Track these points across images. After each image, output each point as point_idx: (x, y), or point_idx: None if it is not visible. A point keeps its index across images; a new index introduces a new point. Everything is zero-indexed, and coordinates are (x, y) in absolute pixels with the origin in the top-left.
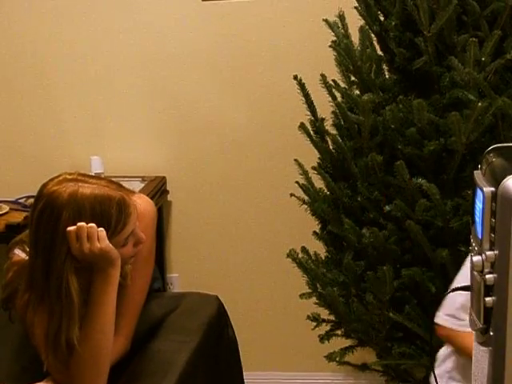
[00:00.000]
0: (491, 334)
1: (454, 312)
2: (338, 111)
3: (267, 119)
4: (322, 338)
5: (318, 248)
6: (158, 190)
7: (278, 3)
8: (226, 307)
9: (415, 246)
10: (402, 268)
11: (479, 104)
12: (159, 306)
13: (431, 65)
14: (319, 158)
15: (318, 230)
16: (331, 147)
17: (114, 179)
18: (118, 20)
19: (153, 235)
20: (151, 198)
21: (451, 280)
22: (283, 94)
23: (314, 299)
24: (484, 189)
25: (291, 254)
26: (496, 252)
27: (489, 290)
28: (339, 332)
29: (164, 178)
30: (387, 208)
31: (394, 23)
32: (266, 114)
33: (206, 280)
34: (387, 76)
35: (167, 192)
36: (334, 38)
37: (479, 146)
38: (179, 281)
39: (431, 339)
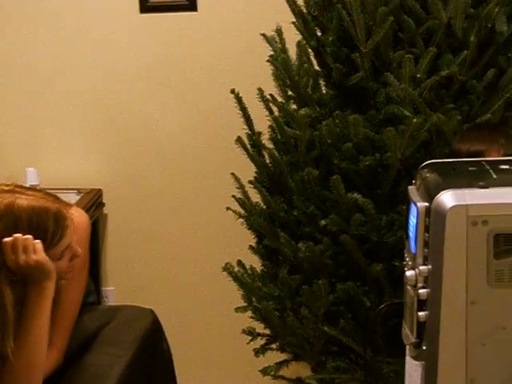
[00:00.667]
0: (424, 348)
1: None
2: (274, 125)
3: (204, 133)
4: (257, 352)
5: (254, 262)
6: (93, 202)
7: (215, 17)
8: (161, 321)
9: (350, 260)
10: (337, 282)
11: (414, 120)
12: (93, 319)
13: (367, 80)
14: (256, 171)
15: (253, 244)
16: (268, 161)
17: (49, 191)
18: (55, 31)
19: (86, 248)
20: (87, 211)
21: (385, 294)
22: (220, 107)
23: (249, 313)
24: (418, 204)
25: (227, 268)
26: (429, 267)
27: (422, 304)
28: (274, 346)
29: (100, 190)
30: (323, 222)
31: (330, 39)
32: (203, 128)
33: (142, 293)
34: (324, 91)
35: (103, 204)
36: (272, 53)
37: (414, 161)
38: (115, 294)
39: (365, 353)
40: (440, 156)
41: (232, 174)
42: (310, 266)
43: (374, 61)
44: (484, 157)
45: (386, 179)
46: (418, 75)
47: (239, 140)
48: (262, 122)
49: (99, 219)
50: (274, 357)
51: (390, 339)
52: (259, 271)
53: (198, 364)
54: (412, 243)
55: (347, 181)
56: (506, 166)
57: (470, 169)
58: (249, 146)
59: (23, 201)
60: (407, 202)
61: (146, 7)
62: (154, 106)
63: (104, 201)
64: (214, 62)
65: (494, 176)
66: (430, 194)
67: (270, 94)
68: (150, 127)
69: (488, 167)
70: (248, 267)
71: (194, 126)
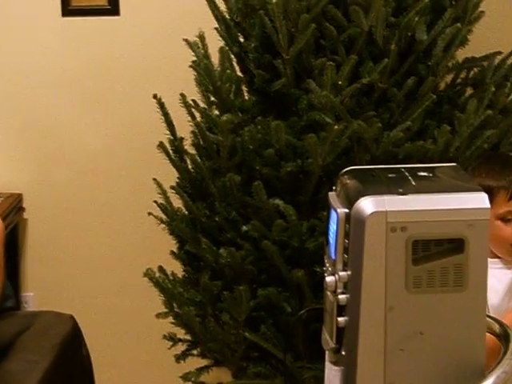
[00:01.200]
0: (343, 353)
1: None
2: (197, 131)
3: (126, 138)
4: (178, 358)
5: (176, 267)
6: (13, 207)
7: (138, 22)
8: (81, 327)
9: (271, 266)
10: (259, 288)
11: (335, 127)
12: (11, 324)
13: (289, 87)
14: (178, 177)
15: (175, 250)
16: (190, 167)
17: None
18: None
19: (1, 252)
20: (6, 215)
21: (306, 300)
22: (143, 112)
23: (170, 319)
24: (338, 210)
25: (148, 274)
26: (349, 272)
27: (341, 309)
28: (195, 352)
29: (20, 195)
30: (244, 228)
31: (253, 45)
32: (125, 133)
33: (62, 299)
34: (246, 97)
35: (23, 209)
36: (194, 58)
37: (335, 168)
38: (34, 300)
39: (285, 359)
40: (361, 163)
41: (154, 179)
42: (232, 271)
43: (296, 67)
44: (494, 194)
45: (307, 185)
46: (340, 82)
47: (161, 145)
48: (185, 128)
49: (19, 224)
50: (195, 362)
51: (311, 345)
52: (180, 277)
53: (119, 370)
54: (332, 249)
55: (269, 187)
56: (425, 173)
57: (390, 175)
58: (171, 152)
59: None
60: (327, 208)
61: (67, 11)
62: (75, 111)
63: (24, 205)
64: (136, 67)
65: (413, 183)
66: (349, 201)
67: (193, 100)
68: (71, 132)
69: (407, 174)
70: (169, 273)
71: (115, 130)
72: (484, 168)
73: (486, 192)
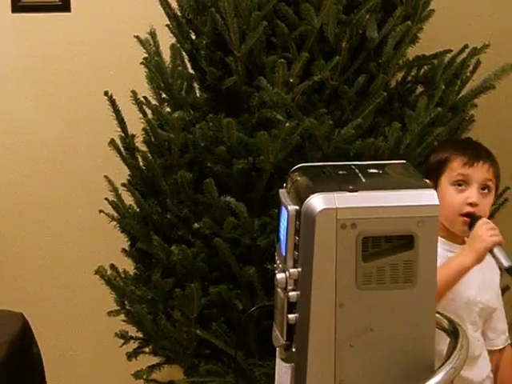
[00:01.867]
0: (293, 350)
1: None
2: (148, 128)
3: (77, 135)
4: (129, 356)
5: (127, 265)
6: None
7: (89, 18)
8: (31, 325)
9: (223, 263)
10: (210, 285)
11: (287, 124)
12: None
13: (241, 84)
14: (129, 174)
15: (127, 247)
16: (141, 164)
17: None
18: None
19: None
20: None
21: (258, 297)
22: (94, 109)
23: (122, 316)
24: (288, 207)
25: (99, 271)
26: (299, 269)
27: (292, 306)
28: (147, 349)
29: None
30: (196, 225)
31: (204, 42)
32: (76, 130)
33: (12, 297)
34: (198, 94)
35: None
36: (146, 55)
37: (287, 165)
38: None
39: (235, 356)
40: (312, 160)
41: (105, 176)
42: (183, 269)
43: (248, 65)
44: (449, 161)
45: (258, 183)
46: (291, 80)
47: (112, 142)
48: (136, 125)
49: None
50: (147, 360)
51: (262, 342)
52: (132, 274)
53: (70, 368)
54: (283, 246)
55: (220, 184)
56: (375, 170)
57: (340, 173)
58: (122, 149)
59: None
60: (278, 205)
61: (17, 7)
62: (25, 108)
63: None
64: (87, 64)
65: (363, 180)
66: (300, 198)
67: (144, 97)
68: (21, 128)
69: (357, 171)
70: (121, 270)
71: (66, 128)
72: (443, 144)
73: (442, 162)
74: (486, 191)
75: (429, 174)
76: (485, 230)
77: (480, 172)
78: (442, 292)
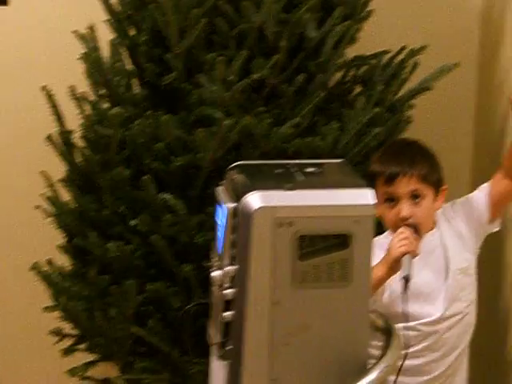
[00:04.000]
0: (229, 348)
1: None
2: (86, 124)
3: (14, 130)
4: (64, 353)
5: (64, 261)
6: None
7: (27, 12)
8: None
9: (160, 260)
10: (147, 282)
11: (225, 122)
12: None
13: (180, 81)
14: (67, 170)
15: (63, 243)
16: (79, 160)
17: None
18: None
19: None
20: None
21: (194, 295)
22: (32, 104)
23: (57, 313)
24: (226, 205)
25: (35, 267)
26: (236, 267)
27: (228, 304)
28: (82, 346)
29: None
30: (133, 222)
31: (144, 38)
32: (13, 125)
33: None
34: (137, 90)
35: None
36: (85, 51)
37: (225, 163)
38: None
39: (171, 353)
40: (250, 158)
41: (42, 172)
42: (120, 265)
43: (187, 62)
44: (375, 178)
45: (197, 180)
46: (230, 77)
47: (50, 138)
48: (74, 121)
49: None
50: (82, 357)
51: (198, 339)
52: (68, 271)
53: (4, 365)
54: (219, 244)
55: (158, 181)
56: (312, 169)
57: (277, 171)
58: (60, 145)
59: None
60: (216, 202)
61: None
62: None
63: None
64: (25, 58)
65: (301, 178)
66: (237, 195)
67: (83, 92)
68: None
69: (295, 170)
70: (57, 267)
71: (3, 123)
72: (379, 154)
73: (372, 178)
74: (417, 199)
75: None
76: (396, 241)
77: (402, 186)
78: None
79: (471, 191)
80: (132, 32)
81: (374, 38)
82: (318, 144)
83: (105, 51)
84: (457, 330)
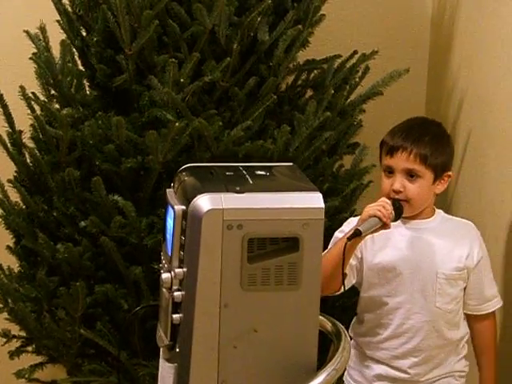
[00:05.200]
0: (177, 350)
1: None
2: (36, 124)
3: None
4: (11, 355)
5: (12, 262)
6: None
7: None
8: None
9: (109, 262)
10: (96, 284)
11: (176, 124)
12: None
13: (131, 83)
14: (16, 170)
15: (11, 245)
16: (28, 160)
17: None
18: None
19: None
20: None
21: (144, 297)
22: None
23: (4, 314)
24: (175, 207)
25: None
26: (185, 269)
27: (176, 306)
28: (30, 348)
29: None
30: (83, 224)
31: (95, 39)
32: None
33: None
34: (88, 91)
35: None
36: (35, 51)
37: (176, 165)
38: None
39: (119, 355)
40: (201, 160)
41: None
42: (69, 267)
43: (139, 63)
44: (381, 147)
45: (147, 182)
46: (182, 80)
47: None
48: (24, 121)
49: None
50: (30, 359)
51: (147, 342)
52: (16, 272)
53: None
54: (169, 246)
55: (108, 182)
56: (263, 172)
57: (228, 173)
58: (9, 145)
59: None
60: (165, 204)
61: None
62: None
63: None
64: None
65: (251, 181)
66: (187, 198)
67: (33, 93)
68: None
69: (245, 172)
70: (5, 268)
71: None
72: (396, 125)
73: (381, 144)
74: (413, 177)
75: None
76: (372, 205)
77: (399, 162)
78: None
79: None
80: (83, 32)
81: (325, 42)
82: (268, 147)
83: (56, 51)
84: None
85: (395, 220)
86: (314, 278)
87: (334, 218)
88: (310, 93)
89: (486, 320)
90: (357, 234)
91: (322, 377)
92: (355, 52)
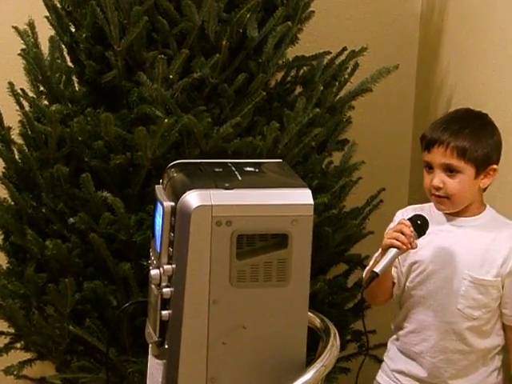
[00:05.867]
0: (166, 347)
1: None
2: (25, 121)
3: None
4: (0, 351)
5: (0, 259)
6: None
7: None
8: None
9: (98, 259)
10: (85, 281)
11: (166, 120)
12: None
13: (120, 79)
14: (4, 167)
15: (0, 241)
16: (17, 157)
17: None
18: None
19: None
20: None
21: (133, 294)
22: None
23: None
24: (164, 203)
25: None
26: (173, 266)
27: (165, 303)
28: (19, 345)
29: None
30: (71, 220)
31: (84, 35)
32: None
33: None
34: (77, 88)
35: None
36: (24, 47)
37: (165, 161)
38: None
39: (108, 352)
40: (190, 157)
41: None
42: (58, 264)
43: (128, 60)
44: (421, 143)
45: (136, 178)
46: (171, 76)
47: None
48: (13, 117)
49: None
50: (18, 356)
51: (136, 338)
52: (5, 269)
53: None
54: (157, 242)
55: (97, 179)
56: (252, 169)
57: (217, 170)
58: None
59: None
60: (154, 201)
61: None
62: None
63: None
64: None
65: (240, 178)
66: (176, 194)
67: (21, 89)
68: None
69: (234, 169)
70: None
71: None
72: (438, 119)
73: (421, 139)
74: (453, 173)
75: None
76: (391, 232)
77: (436, 157)
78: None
79: (410, 190)
80: (72, 29)
81: (314, 39)
82: (258, 144)
83: (44, 48)
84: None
85: (419, 237)
86: (303, 274)
87: (323, 214)
88: (299, 89)
89: None
90: (374, 278)
91: (310, 373)
92: (344, 49)
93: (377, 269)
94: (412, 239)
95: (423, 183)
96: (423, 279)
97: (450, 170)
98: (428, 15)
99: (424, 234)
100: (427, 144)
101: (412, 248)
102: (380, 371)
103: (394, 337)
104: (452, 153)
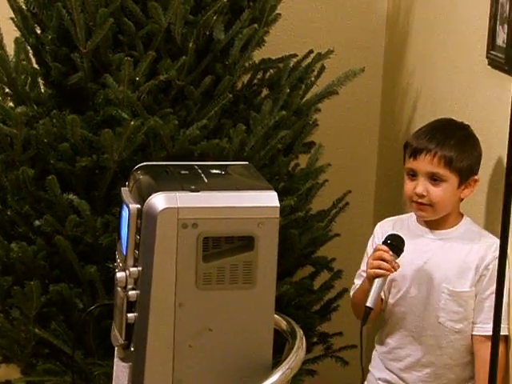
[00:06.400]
0: (132, 349)
1: None
2: None
3: None
4: None
5: None
6: None
7: None
8: None
9: (64, 261)
10: (50, 284)
11: (132, 123)
12: None
13: (86, 81)
14: None
15: None
16: None
17: None
18: None
19: None
20: None
21: (99, 296)
22: None
23: None
24: (130, 205)
25: None
26: (139, 268)
27: (131, 305)
28: None
29: None
30: (37, 223)
31: (50, 37)
32: None
33: None
34: (42, 90)
35: None
36: None
37: (131, 163)
38: None
39: (73, 355)
40: (157, 159)
41: None
42: (23, 266)
43: (94, 62)
44: (405, 150)
45: (102, 181)
46: (137, 78)
47: None
48: None
49: None
50: None
51: (102, 341)
52: None
53: None
54: (123, 245)
55: (63, 181)
56: (218, 171)
57: (183, 172)
58: None
59: None
60: (120, 203)
61: None
62: None
63: None
64: None
65: (206, 180)
66: (142, 196)
67: None
68: None
69: (200, 171)
70: None
71: None
72: (421, 127)
73: (405, 146)
74: (437, 181)
75: None
76: (371, 260)
77: (422, 165)
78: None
79: (376, 190)
80: (38, 30)
81: (281, 41)
82: (224, 146)
83: (10, 49)
84: None
85: (399, 257)
86: (269, 276)
87: (289, 217)
88: (265, 92)
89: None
90: (369, 313)
91: (277, 375)
92: (311, 51)
93: (369, 303)
94: (394, 262)
95: (405, 189)
96: (403, 295)
97: (434, 179)
98: (394, 18)
99: (402, 251)
100: (413, 152)
101: (395, 270)
102: (366, 383)
103: (379, 351)
104: (439, 161)
